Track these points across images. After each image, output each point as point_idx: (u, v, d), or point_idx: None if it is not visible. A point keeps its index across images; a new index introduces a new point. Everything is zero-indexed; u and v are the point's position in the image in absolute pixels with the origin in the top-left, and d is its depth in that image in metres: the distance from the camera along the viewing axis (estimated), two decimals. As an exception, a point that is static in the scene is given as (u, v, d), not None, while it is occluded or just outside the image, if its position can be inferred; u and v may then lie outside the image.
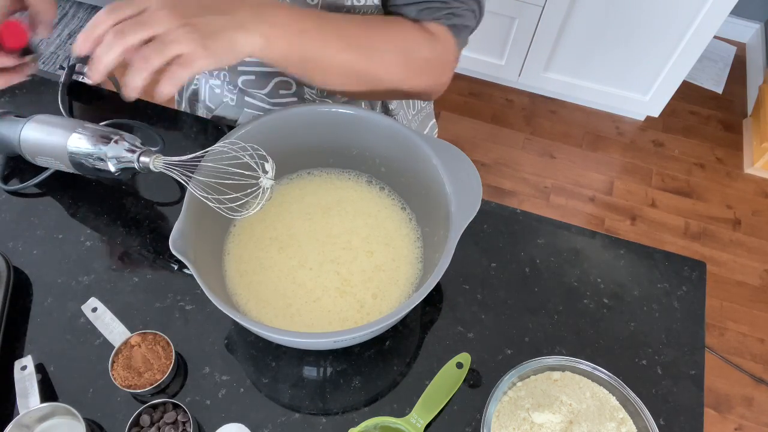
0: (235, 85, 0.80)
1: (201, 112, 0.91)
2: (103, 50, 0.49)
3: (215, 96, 0.85)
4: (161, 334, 0.64)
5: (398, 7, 0.67)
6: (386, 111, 0.89)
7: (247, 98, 0.81)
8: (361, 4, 0.67)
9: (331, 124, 0.70)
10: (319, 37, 0.57)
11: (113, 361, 0.62)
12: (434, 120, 1.03)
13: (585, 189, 1.95)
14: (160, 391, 0.63)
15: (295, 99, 0.80)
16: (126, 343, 0.64)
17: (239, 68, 0.77)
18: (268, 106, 0.81)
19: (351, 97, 0.68)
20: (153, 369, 0.62)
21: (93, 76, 0.50)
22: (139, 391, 0.61)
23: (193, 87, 0.90)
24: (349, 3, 0.66)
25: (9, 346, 0.65)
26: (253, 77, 0.78)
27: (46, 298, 0.69)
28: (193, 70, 0.49)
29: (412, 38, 0.64)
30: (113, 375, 0.61)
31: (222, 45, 0.50)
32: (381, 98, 0.67)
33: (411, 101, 0.92)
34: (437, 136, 1.07)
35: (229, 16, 0.52)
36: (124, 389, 0.61)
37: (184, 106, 0.94)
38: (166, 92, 0.50)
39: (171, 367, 0.62)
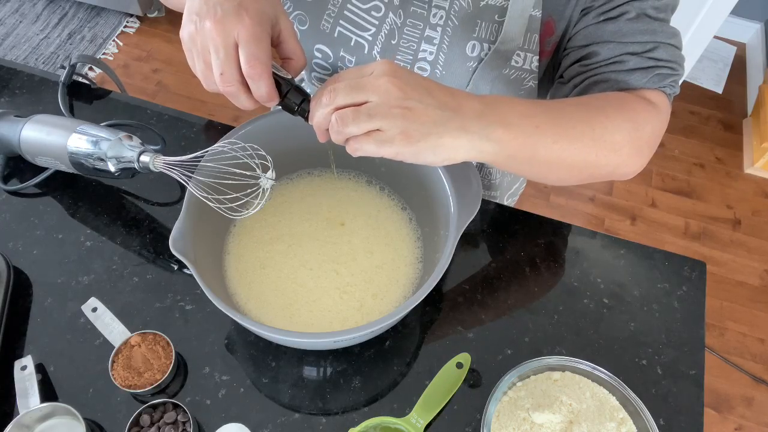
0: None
1: None
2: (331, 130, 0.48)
3: None
4: (161, 334, 0.64)
5: (619, 73, 0.60)
6: (482, 164, 0.82)
7: None
8: (519, 66, 0.63)
9: (331, 124, 0.70)
10: (552, 132, 0.52)
11: (113, 361, 0.62)
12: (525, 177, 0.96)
13: (585, 189, 1.94)
14: (160, 391, 0.63)
15: None
16: (126, 343, 0.64)
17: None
18: None
19: (562, 185, 0.63)
20: (153, 369, 0.62)
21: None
22: (139, 391, 0.61)
23: None
24: (511, 63, 0.62)
25: (9, 346, 0.65)
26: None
27: (46, 298, 0.69)
28: (383, 152, 0.46)
29: (640, 114, 0.58)
30: (113, 375, 0.61)
31: (427, 145, 0.46)
32: (589, 181, 0.62)
33: None
34: (518, 194, 1.05)
35: (451, 112, 0.47)
36: (124, 389, 0.61)
37: None
38: (349, 151, 0.47)
39: (171, 367, 0.62)
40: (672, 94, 0.63)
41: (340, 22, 0.67)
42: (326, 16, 0.67)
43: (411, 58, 0.67)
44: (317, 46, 0.70)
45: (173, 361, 0.62)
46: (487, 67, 0.65)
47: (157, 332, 0.64)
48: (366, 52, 0.68)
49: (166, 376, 0.62)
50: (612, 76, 0.61)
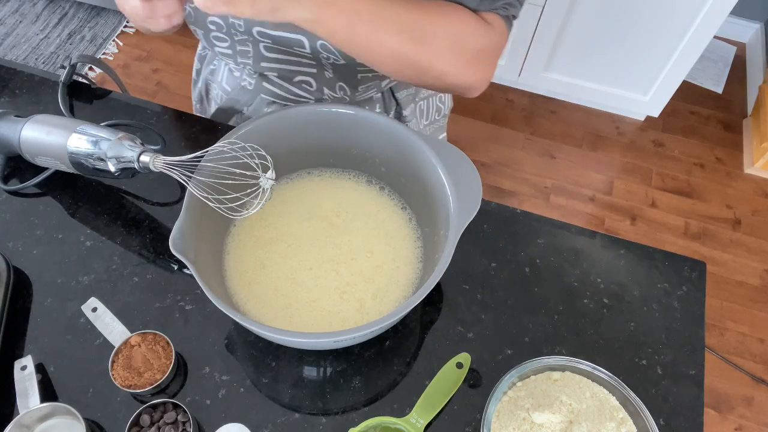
0: (258, 71, 0.79)
1: (215, 94, 0.91)
2: None
3: (233, 78, 0.85)
4: (161, 334, 0.64)
5: None
6: (399, 117, 0.88)
7: (265, 84, 0.81)
8: None
9: (331, 124, 0.70)
10: (370, 19, 0.57)
11: (113, 361, 0.62)
12: (445, 133, 1.02)
13: (585, 189, 1.94)
14: (160, 391, 0.63)
15: (311, 99, 0.80)
16: (126, 343, 0.64)
17: (262, 64, 0.77)
18: (284, 94, 0.81)
19: (399, 80, 0.67)
20: (153, 369, 0.62)
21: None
22: (139, 391, 0.61)
23: (211, 67, 0.90)
24: None
25: (9, 346, 0.65)
26: (275, 74, 0.78)
27: (46, 298, 0.69)
28: (230, 8, 0.49)
29: (468, 26, 0.62)
30: (113, 375, 0.61)
31: (268, 5, 0.50)
32: (426, 86, 0.65)
33: (425, 111, 0.92)
34: None
35: None
36: (124, 389, 0.61)
37: (200, 85, 0.94)
38: (200, 6, 0.49)
39: (171, 367, 0.62)
40: (508, 17, 0.66)
41: None
42: None
43: None
44: (210, 18, 0.72)
45: (173, 361, 0.62)
46: None
47: (157, 332, 0.64)
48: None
49: (166, 376, 0.62)
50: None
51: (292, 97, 0.81)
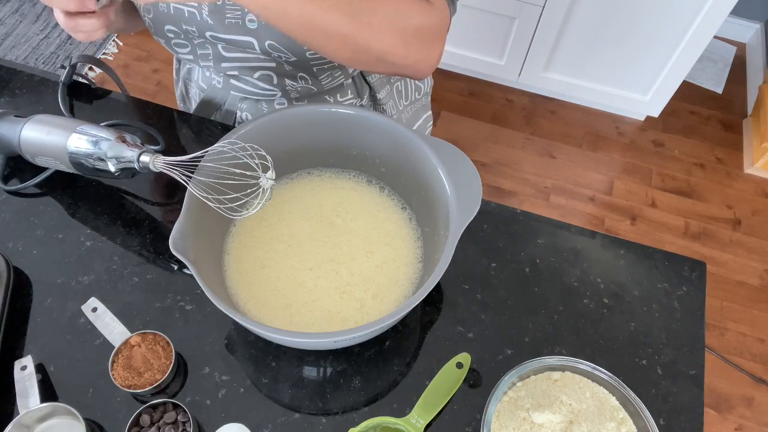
0: (221, 72, 0.81)
1: (193, 92, 0.93)
2: None
3: (206, 78, 0.87)
4: (161, 334, 0.64)
5: None
6: (375, 102, 0.89)
7: (232, 81, 0.82)
8: None
9: (331, 124, 0.70)
10: None
11: (113, 361, 0.62)
12: (429, 112, 1.02)
13: (585, 189, 1.94)
14: (160, 391, 0.63)
15: (277, 91, 0.81)
16: (126, 343, 0.64)
17: (222, 64, 0.78)
18: (250, 88, 0.82)
19: (343, 63, 0.66)
20: (153, 369, 0.62)
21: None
22: (139, 391, 0.61)
23: (188, 67, 0.92)
24: None
25: (9, 346, 0.65)
26: (236, 72, 0.79)
27: (46, 298, 0.69)
28: None
29: (407, 4, 0.61)
30: (113, 375, 0.61)
31: None
32: (370, 69, 0.65)
33: (403, 91, 0.92)
34: (432, 130, 1.07)
35: None
36: (124, 389, 0.61)
37: (180, 84, 0.96)
38: None
39: (171, 367, 0.62)
40: None
41: None
42: None
43: (239, 14, 0.69)
44: (166, 27, 0.74)
45: (173, 361, 0.62)
46: None
47: (157, 332, 0.64)
48: (199, 18, 0.71)
49: (166, 376, 0.62)
50: None
51: (260, 91, 0.82)
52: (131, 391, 0.61)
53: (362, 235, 0.71)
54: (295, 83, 0.79)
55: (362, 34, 0.59)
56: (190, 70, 0.91)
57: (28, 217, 0.75)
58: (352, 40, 0.59)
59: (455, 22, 1.75)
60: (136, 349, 0.63)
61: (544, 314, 0.71)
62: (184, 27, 0.73)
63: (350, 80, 0.84)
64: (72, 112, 0.86)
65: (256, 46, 0.72)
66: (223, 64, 0.78)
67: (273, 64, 0.77)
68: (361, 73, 0.85)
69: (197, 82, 0.90)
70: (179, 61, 0.95)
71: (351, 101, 0.85)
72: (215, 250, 0.68)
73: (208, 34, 0.73)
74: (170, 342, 0.64)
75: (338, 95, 0.84)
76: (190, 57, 0.80)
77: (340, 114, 0.69)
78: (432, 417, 0.62)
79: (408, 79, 0.92)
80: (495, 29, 1.90)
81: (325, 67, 0.76)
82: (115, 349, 0.63)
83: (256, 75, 0.79)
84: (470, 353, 0.66)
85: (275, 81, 0.79)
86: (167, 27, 0.75)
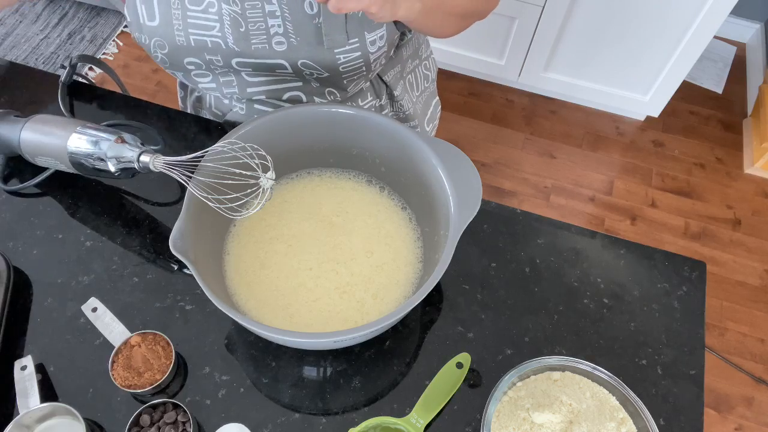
0: (245, 98, 0.81)
1: (207, 116, 0.91)
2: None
3: (223, 105, 0.86)
4: (161, 334, 0.64)
5: None
6: (392, 99, 0.88)
7: (256, 106, 0.82)
8: None
9: (331, 124, 0.70)
10: None
11: (113, 361, 0.62)
12: (437, 98, 1.03)
13: (585, 189, 1.94)
14: (160, 391, 0.63)
15: None
16: (126, 343, 0.64)
17: (249, 90, 0.78)
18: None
19: (441, 37, 0.74)
20: (153, 369, 0.62)
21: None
22: (139, 391, 0.61)
23: (196, 94, 0.90)
24: None
25: (9, 346, 0.65)
26: (262, 96, 0.79)
27: (46, 298, 0.69)
28: (359, 4, 0.54)
29: None
30: (113, 375, 0.61)
31: (388, 7, 0.56)
32: (461, 30, 0.72)
33: (414, 83, 0.93)
34: (437, 118, 1.07)
35: None
36: (124, 389, 0.61)
37: (190, 110, 0.94)
38: (332, 8, 0.53)
39: (171, 367, 0.62)
40: None
41: (190, 30, 0.69)
42: (176, 31, 0.69)
43: (265, 37, 0.69)
44: (186, 60, 0.73)
45: (173, 361, 0.62)
46: (327, 14, 0.67)
47: (157, 332, 0.64)
48: (224, 47, 0.70)
49: (166, 376, 0.62)
50: None
51: (277, 108, 0.80)
52: (131, 391, 0.61)
53: (362, 235, 0.71)
54: (323, 99, 0.79)
55: (482, 5, 0.69)
56: (200, 98, 0.90)
57: (28, 217, 0.75)
58: (473, 12, 0.69)
59: (455, 22, 1.75)
60: (136, 349, 0.63)
61: (544, 314, 0.71)
62: (207, 57, 0.72)
63: (369, 83, 0.84)
64: (72, 112, 0.86)
65: (288, 66, 0.71)
66: (249, 90, 0.78)
67: (300, 83, 0.76)
68: (378, 73, 0.85)
69: (210, 110, 0.88)
70: (185, 88, 0.93)
71: (371, 103, 0.85)
72: (215, 250, 0.68)
73: (234, 61, 0.72)
74: (170, 342, 0.64)
75: (359, 100, 0.83)
76: (212, 86, 0.78)
77: (340, 114, 0.69)
78: (432, 417, 0.62)
79: (417, 71, 0.93)
80: (495, 29, 1.89)
81: (355, 77, 0.75)
82: (115, 349, 0.63)
83: (285, 96, 0.78)
84: (470, 353, 0.66)
85: (305, 99, 0.79)
86: (187, 60, 0.73)
